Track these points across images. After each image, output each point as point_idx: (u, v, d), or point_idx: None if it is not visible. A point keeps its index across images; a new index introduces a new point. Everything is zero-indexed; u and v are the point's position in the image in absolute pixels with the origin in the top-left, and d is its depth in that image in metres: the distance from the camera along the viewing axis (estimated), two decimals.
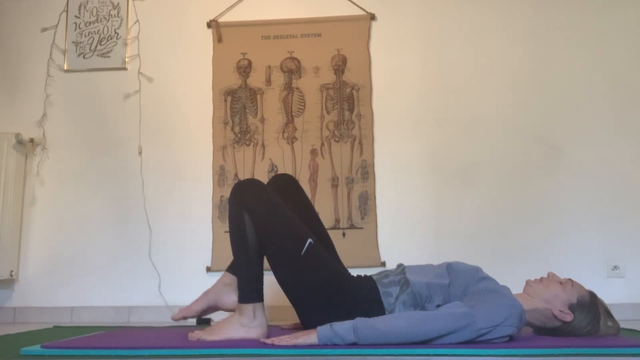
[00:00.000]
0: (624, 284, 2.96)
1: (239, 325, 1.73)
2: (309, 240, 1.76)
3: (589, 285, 1.84)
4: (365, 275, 1.85)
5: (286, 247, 1.75)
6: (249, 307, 1.73)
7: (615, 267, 2.97)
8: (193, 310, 1.77)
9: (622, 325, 2.05)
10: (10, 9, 3.42)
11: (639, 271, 2.97)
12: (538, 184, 3.08)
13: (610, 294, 2.85)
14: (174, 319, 1.77)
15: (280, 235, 1.76)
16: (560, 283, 1.77)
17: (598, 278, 2.96)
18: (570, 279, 1.79)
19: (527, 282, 1.81)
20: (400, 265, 1.86)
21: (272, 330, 1.83)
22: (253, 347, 1.55)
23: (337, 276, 1.78)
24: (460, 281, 1.74)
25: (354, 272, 1.95)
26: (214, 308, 1.92)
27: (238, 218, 1.75)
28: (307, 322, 1.75)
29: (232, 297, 1.78)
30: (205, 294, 1.83)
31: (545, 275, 1.83)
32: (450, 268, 1.80)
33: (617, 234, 3.00)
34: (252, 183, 1.81)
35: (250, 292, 1.75)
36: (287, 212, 1.81)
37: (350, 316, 1.61)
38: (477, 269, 1.79)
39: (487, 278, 1.75)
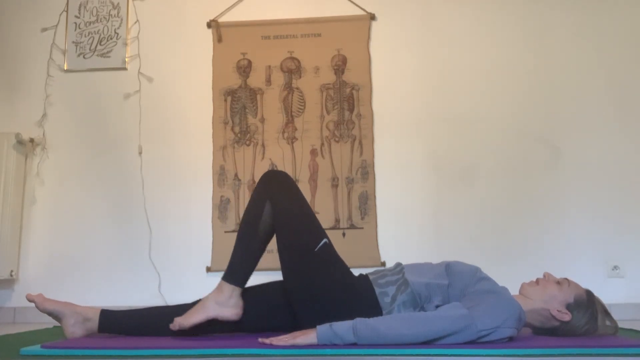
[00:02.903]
0: (624, 284, 2.96)
1: (214, 303, 1.74)
2: (325, 239, 1.79)
3: (589, 286, 1.83)
4: (360, 275, 1.85)
5: (301, 241, 1.76)
6: (229, 288, 1.74)
7: (615, 267, 2.97)
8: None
9: (622, 325, 2.05)
10: (10, 9, 3.42)
11: (639, 271, 2.97)
12: (538, 184, 3.08)
13: (610, 294, 2.85)
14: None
15: (298, 228, 1.77)
16: (557, 283, 1.77)
17: (598, 278, 2.96)
18: (566, 279, 1.79)
19: (523, 285, 1.81)
20: (398, 265, 1.86)
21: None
22: (252, 347, 1.55)
23: (340, 279, 1.78)
24: (459, 282, 1.74)
25: (354, 272, 1.95)
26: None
27: (259, 204, 1.77)
28: (303, 321, 1.74)
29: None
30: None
31: (541, 276, 1.82)
32: (449, 268, 1.79)
33: (617, 234, 3.00)
34: (282, 174, 1.84)
35: (237, 274, 1.76)
36: (310, 210, 1.85)
37: (348, 316, 1.60)
38: (476, 269, 1.78)
39: (486, 278, 1.75)
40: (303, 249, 1.76)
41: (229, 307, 1.75)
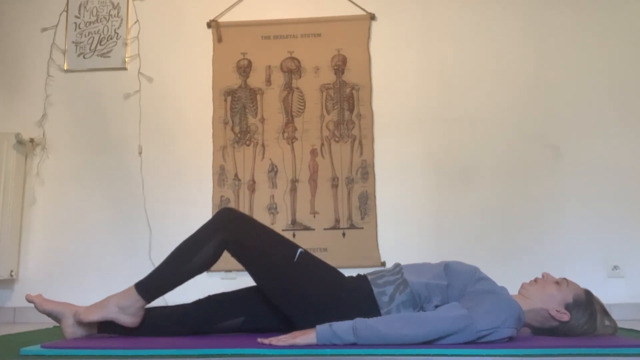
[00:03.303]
0: (624, 284, 2.96)
1: (116, 306, 1.74)
2: (300, 249, 1.79)
3: (588, 286, 1.83)
4: (358, 275, 1.85)
5: (278, 260, 1.76)
6: (135, 297, 1.74)
7: (615, 267, 2.97)
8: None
9: (622, 325, 2.05)
10: (10, 9, 3.42)
11: (639, 271, 2.97)
12: (538, 184, 3.08)
13: (610, 294, 2.85)
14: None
15: (270, 251, 1.77)
16: (556, 283, 1.77)
17: (598, 278, 2.95)
18: (565, 279, 1.78)
19: (523, 285, 1.81)
20: (397, 265, 1.85)
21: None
22: (251, 347, 1.55)
23: (332, 280, 1.78)
24: (458, 282, 1.73)
25: (353, 272, 1.95)
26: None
27: (206, 235, 1.76)
28: (301, 325, 1.74)
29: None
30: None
31: (540, 276, 1.82)
32: (448, 268, 1.79)
33: (617, 234, 3.00)
34: (233, 210, 1.83)
35: (151, 290, 1.76)
36: (273, 231, 1.86)
37: (345, 316, 1.60)
38: (475, 270, 1.78)
39: (485, 278, 1.75)
40: (283, 264, 1.75)
41: (128, 315, 1.75)
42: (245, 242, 1.77)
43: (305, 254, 1.80)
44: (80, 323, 1.76)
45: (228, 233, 1.75)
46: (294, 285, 1.75)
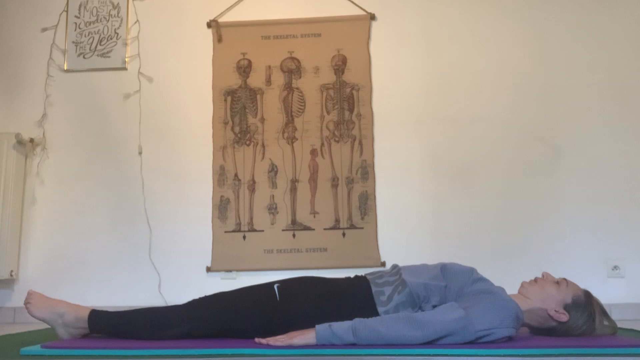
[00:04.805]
0: (624, 284, 2.96)
1: (60, 318, 1.77)
2: (275, 285, 1.77)
3: (588, 286, 1.83)
4: (356, 276, 1.85)
5: (264, 313, 1.72)
6: (82, 322, 1.76)
7: (615, 267, 2.97)
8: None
9: (622, 325, 2.05)
10: (10, 9, 3.42)
11: (639, 271, 2.96)
12: (538, 184, 3.08)
13: (610, 294, 2.85)
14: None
15: (255, 312, 1.73)
16: (556, 283, 1.76)
17: (598, 278, 2.95)
18: (564, 279, 1.78)
19: (522, 284, 1.80)
20: (395, 267, 1.85)
21: None
22: (249, 347, 1.55)
23: (321, 288, 1.77)
24: (455, 283, 1.73)
25: (353, 273, 1.95)
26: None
27: (176, 323, 1.74)
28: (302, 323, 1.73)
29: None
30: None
31: (540, 276, 1.82)
32: (445, 269, 1.79)
33: (617, 234, 2.99)
34: (212, 307, 1.78)
35: (99, 326, 1.78)
36: (242, 292, 1.81)
37: (344, 317, 1.60)
38: (471, 270, 1.78)
39: (482, 279, 1.74)
40: (274, 312, 1.71)
41: (66, 333, 1.78)
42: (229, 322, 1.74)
43: (283, 285, 1.78)
44: (34, 315, 1.79)
45: (200, 327, 1.74)
46: (292, 316, 1.71)
